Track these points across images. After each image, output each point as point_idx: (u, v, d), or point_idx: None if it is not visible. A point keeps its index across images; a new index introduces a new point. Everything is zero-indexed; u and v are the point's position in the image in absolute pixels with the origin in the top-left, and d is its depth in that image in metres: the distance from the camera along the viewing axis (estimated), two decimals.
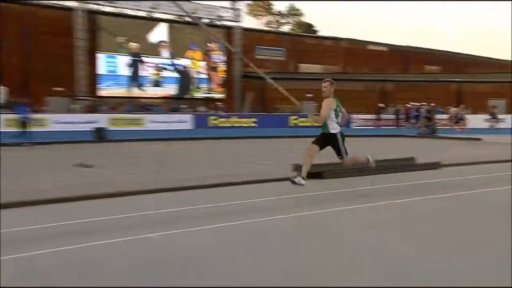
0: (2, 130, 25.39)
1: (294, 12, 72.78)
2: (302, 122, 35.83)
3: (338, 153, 8.16)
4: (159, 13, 41.16)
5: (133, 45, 40.10)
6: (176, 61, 42.23)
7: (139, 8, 40.08)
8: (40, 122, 26.90)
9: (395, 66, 51.32)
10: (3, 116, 27.58)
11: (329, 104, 7.96)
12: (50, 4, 39.21)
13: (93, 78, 38.36)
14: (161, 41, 41.67)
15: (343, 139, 8.18)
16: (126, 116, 34.06)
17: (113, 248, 5.55)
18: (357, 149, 15.60)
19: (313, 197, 8.45)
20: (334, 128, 8.07)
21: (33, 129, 22.84)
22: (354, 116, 37.04)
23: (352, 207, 7.56)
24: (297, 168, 10.33)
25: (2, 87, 31.90)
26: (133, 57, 40.21)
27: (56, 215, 7.14)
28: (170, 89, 42.03)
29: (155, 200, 8.31)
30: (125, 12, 40.16)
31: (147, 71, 40.75)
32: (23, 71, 34.16)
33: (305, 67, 48.91)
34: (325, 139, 8.18)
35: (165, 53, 41.88)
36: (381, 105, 40.39)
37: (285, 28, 69.18)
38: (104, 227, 6.58)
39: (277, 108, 40.21)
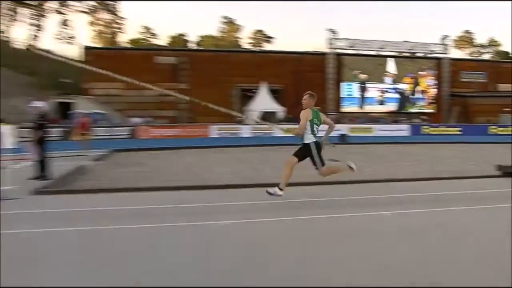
0: (284, 135, 29.60)
1: (493, 43, 67.05)
2: (500, 130, 33.53)
3: (313, 163, 6.55)
4: (385, 51, 42.27)
5: (363, 76, 41.80)
6: (396, 86, 43.00)
7: (371, 49, 41.90)
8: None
9: None
10: (286, 126, 31.61)
11: (305, 116, 6.50)
12: (313, 52, 43.30)
13: (338, 100, 40.89)
14: (385, 71, 42.93)
15: (319, 150, 6.56)
16: (360, 126, 34.86)
17: (357, 220, 5.62)
18: None
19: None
20: (308, 138, 6.51)
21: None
22: None
23: None
24: (500, 168, 9.84)
25: (282, 108, 36.18)
26: (362, 84, 42.01)
27: (328, 192, 7.42)
28: (391, 106, 42.90)
29: (385, 188, 8.10)
30: (361, 53, 41.90)
31: (373, 93, 42.50)
32: (295, 96, 37.92)
33: (503, 87, 44.97)
34: (302, 150, 6.62)
35: (388, 80, 42.85)
36: None
37: (486, 57, 64.16)
38: (347, 203, 6.62)
39: (491, 120, 37.57)
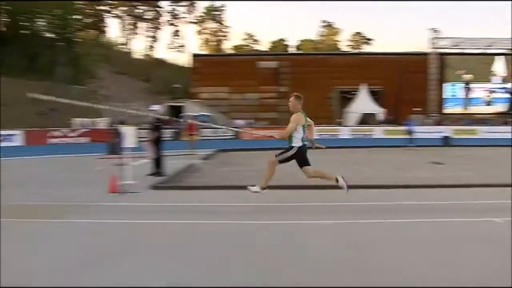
0: (384, 137, 27.89)
1: None
2: None
3: (278, 154, 6.09)
4: (492, 49, 38.84)
5: (467, 76, 38.99)
6: (506, 85, 39.29)
7: (477, 47, 38.69)
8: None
9: None
10: (386, 127, 29.97)
11: (296, 120, 6.03)
12: (414, 52, 41.28)
13: (440, 101, 38.66)
14: (492, 71, 39.51)
15: (303, 154, 6.08)
16: (464, 128, 32.43)
17: (458, 225, 5.29)
18: None
19: None
20: (296, 142, 6.02)
21: (416, 137, 20.52)
22: None
23: None
24: None
25: (382, 109, 34.87)
26: (466, 84, 39.22)
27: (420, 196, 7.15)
28: (500, 107, 39.31)
29: (489, 193, 7.41)
30: (466, 52, 39.00)
31: (479, 94, 39.35)
32: (395, 97, 36.44)
33: None
34: (297, 156, 6.09)
35: (496, 79, 39.44)
36: None
37: None
38: (456, 208, 6.33)
39: None
